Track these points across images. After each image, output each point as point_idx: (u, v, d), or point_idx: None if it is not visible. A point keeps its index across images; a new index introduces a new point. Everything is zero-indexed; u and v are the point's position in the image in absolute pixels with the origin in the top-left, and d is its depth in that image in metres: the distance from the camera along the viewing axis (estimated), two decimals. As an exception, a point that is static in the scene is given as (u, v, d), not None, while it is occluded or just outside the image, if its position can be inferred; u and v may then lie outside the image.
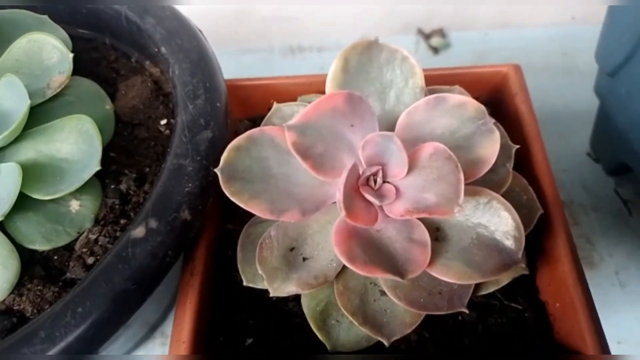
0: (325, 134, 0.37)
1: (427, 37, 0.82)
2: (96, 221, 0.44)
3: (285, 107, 0.46)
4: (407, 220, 0.38)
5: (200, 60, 0.45)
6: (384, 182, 0.39)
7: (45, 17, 0.51)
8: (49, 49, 0.46)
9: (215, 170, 0.35)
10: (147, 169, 0.45)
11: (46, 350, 0.33)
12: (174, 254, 0.37)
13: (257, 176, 0.37)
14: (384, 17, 0.84)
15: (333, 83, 0.41)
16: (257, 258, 0.39)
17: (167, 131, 0.48)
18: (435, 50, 0.80)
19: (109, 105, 0.48)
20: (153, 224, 0.37)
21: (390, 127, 0.40)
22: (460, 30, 0.82)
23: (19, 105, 0.42)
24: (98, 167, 0.41)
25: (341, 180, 0.36)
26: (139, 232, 0.36)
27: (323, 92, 0.46)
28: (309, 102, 0.38)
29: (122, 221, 0.44)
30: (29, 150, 0.42)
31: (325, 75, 0.42)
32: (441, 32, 0.82)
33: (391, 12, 0.84)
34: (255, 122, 0.53)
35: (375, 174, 0.39)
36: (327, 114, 0.37)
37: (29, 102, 0.41)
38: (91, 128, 0.42)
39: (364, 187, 0.38)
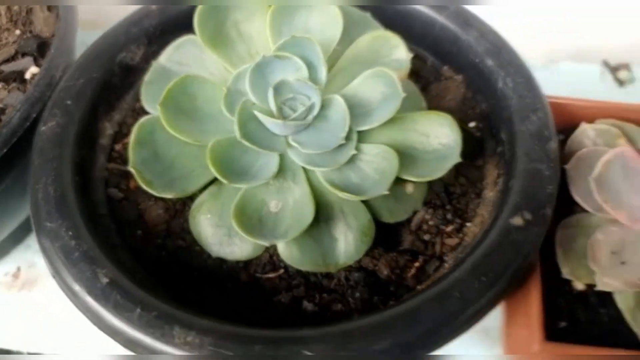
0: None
1: (613, 69, 0.88)
2: (424, 203, 0.51)
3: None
4: None
5: (530, 77, 0.51)
6: None
7: (368, 14, 0.57)
8: (389, 46, 0.53)
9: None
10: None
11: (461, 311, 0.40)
12: (538, 246, 0.44)
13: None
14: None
15: None
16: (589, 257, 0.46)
17: (478, 133, 0.54)
18: (621, 83, 0.87)
19: (424, 104, 0.55)
20: (527, 215, 0.43)
21: None
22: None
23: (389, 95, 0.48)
24: (458, 160, 0.47)
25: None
26: (516, 221, 0.43)
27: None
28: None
29: (448, 206, 0.51)
30: (394, 136, 0.49)
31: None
32: (627, 66, 0.88)
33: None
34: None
35: None
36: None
37: (403, 94, 0.47)
38: (453, 124, 0.48)
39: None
